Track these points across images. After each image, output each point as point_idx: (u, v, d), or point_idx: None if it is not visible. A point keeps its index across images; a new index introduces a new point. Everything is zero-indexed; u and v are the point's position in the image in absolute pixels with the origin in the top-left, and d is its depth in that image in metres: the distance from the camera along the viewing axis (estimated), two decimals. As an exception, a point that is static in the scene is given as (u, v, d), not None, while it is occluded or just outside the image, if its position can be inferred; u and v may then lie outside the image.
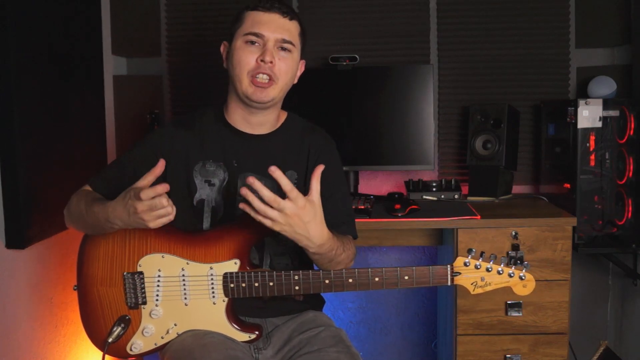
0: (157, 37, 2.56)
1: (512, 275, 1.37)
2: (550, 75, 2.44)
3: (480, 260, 1.37)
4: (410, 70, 2.31)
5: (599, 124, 2.06)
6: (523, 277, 1.38)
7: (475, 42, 2.45)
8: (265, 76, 1.41)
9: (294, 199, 1.23)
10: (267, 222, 1.25)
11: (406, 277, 1.37)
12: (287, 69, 1.44)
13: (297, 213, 1.24)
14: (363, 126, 2.34)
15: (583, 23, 2.42)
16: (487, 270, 1.37)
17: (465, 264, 1.37)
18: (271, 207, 1.23)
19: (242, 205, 1.26)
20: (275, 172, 1.23)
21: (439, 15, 2.46)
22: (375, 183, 2.55)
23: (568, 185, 2.13)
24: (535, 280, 1.94)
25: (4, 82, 1.68)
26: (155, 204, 1.23)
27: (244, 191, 1.23)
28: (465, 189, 2.33)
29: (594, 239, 2.10)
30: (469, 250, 1.38)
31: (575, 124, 2.06)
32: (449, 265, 1.37)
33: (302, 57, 1.53)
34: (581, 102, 2.05)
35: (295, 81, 1.53)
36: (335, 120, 2.34)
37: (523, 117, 2.42)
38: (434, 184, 2.33)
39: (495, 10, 2.43)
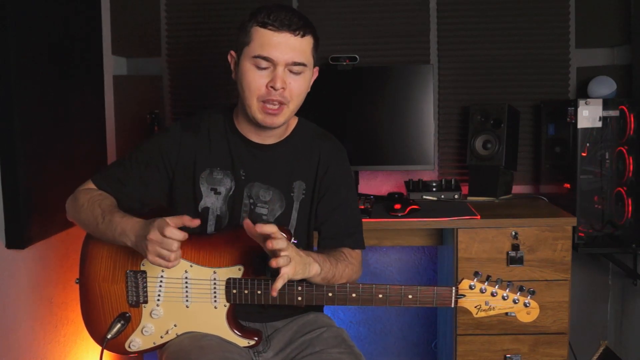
0: (157, 37, 2.56)
1: (516, 301, 1.37)
2: (550, 75, 2.44)
3: (485, 284, 1.36)
4: (410, 70, 2.31)
5: (599, 124, 2.06)
6: (528, 305, 1.37)
7: (475, 42, 2.45)
8: (275, 103, 1.35)
9: (286, 248, 1.23)
10: (288, 271, 1.24)
11: (410, 296, 1.36)
12: (299, 90, 1.38)
13: (293, 254, 1.25)
14: (363, 126, 2.34)
15: (583, 23, 2.42)
16: (492, 294, 1.36)
17: (470, 287, 1.36)
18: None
19: (274, 264, 1.23)
20: (250, 225, 1.25)
21: (439, 15, 2.46)
22: (375, 183, 2.55)
23: (568, 185, 2.13)
24: (535, 281, 1.96)
25: (4, 82, 1.68)
26: (164, 243, 1.22)
27: (271, 244, 1.22)
28: (465, 189, 2.33)
29: (594, 239, 2.10)
30: (476, 273, 1.37)
31: (575, 124, 2.06)
32: (453, 288, 1.36)
33: (316, 64, 1.45)
34: (581, 102, 2.05)
35: (308, 89, 1.45)
36: (335, 120, 2.33)
37: (523, 117, 2.42)
38: (434, 184, 2.33)
39: (495, 10, 2.43)
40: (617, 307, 2.45)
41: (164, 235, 1.22)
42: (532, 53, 2.43)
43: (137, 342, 1.43)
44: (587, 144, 2.07)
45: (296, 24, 1.33)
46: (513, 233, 1.95)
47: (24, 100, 1.74)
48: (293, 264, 1.24)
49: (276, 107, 1.36)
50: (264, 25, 1.32)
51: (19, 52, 1.71)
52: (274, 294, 1.24)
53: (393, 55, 2.47)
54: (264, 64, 1.33)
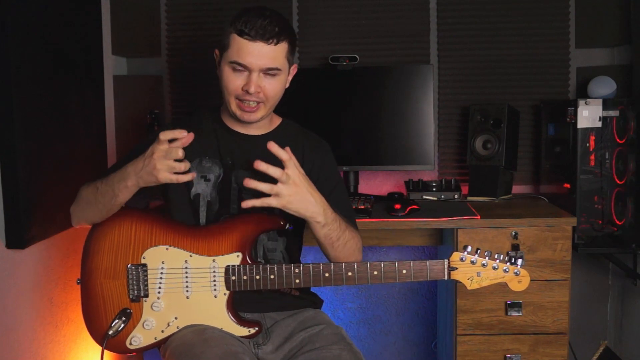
0: (157, 37, 2.56)
1: (507, 270, 1.41)
2: (550, 75, 2.44)
3: (476, 256, 1.41)
4: (410, 70, 2.31)
5: (599, 124, 2.06)
6: (518, 273, 1.42)
7: (475, 42, 2.45)
8: (252, 102, 1.46)
9: (292, 167, 1.32)
10: (274, 202, 1.31)
11: (404, 271, 1.40)
12: (274, 91, 1.48)
13: (299, 180, 1.33)
14: (363, 126, 2.34)
15: (583, 23, 2.42)
16: (483, 265, 1.41)
17: (461, 259, 1.41)
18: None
19: (247, 183, 1.31)
20: (261, 165, 1.31)
21: (439, 15, 2.46)
22: (375, 183, 2.55)
23: (568, 185, 2.13)
24: (535, 281, 1.96)
25: (4, 83, 1.68)
26: (171, 151, 1.30)
27: (248, 182, 1.30)
28: (465, 189, 2.33)
29: (594, 239, 2.10)
30: (465, 247, 1.42)
31: (575, 124, 2.06)
32: (445, 260, 1.41)
33: (294, 62, 1.54)
34: (581, 102, 2.05)
35: (287, 85, 1.55)
36: (335, 120, 2.34)
37: (523, 117, 2.42)
38: (434, 184, 2.33)
39: (495, 10, 2.43)
40: (617, 307, 2.46)
41: (164, 139, 1.30)
42: (532, 53, 2.43)
43: (139, 337, 1.44)
44: (587, 144, 2.07)
45: (270, 33, 1.41)
46: (513, 233, 1.95)
47: (24, 101, 1.74)
48: (288, 189, 1.33)
49: (253, 105, 1.47)
50: (240, 34, 1.41)
51: (19, 52, 1.71)
52: (244, 204, 1.31)
53: (393, 55, 2.47)
54: (240, 68, 1.43)
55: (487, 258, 1.41)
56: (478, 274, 1.41)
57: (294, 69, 1.56)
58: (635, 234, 2.08)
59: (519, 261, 1.42)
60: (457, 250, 1.42)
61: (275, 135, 1.58)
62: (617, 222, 2.09)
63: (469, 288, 1.42)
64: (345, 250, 1.46)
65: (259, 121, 1.52)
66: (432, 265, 1.41)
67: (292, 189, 1.32)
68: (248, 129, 1.57)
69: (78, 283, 1.48)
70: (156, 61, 2.57)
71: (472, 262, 1.41)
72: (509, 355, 1.99)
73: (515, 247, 1.95)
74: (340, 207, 1.53)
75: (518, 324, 1.98)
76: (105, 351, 1.44)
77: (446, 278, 1.41)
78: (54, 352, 2.00)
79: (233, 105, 1.47)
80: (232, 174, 1.53)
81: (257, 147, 1.55)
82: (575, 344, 2.30)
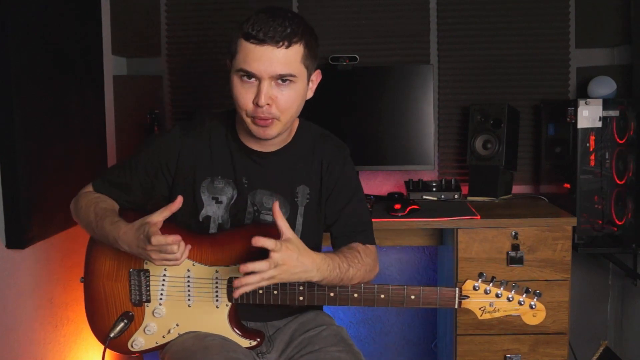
0: (157, 37, 2.56)
1: (522, 303, 1.35)
2: (550, 75, 2.44)
3: (490, 285, 1.35)
4: (410, 70, 2.31)
5: (599, 124, 2.06)
6: (533, 306, 1.35)
7: (475, 42, 2.45)
8: (265, 113, 1.30)
9: (278, 249, 1.19)
10: (265, 283, 1.22)
11: (412, 297, 1.35)
12: (288, 103, 1.31)
13: (287, 257, 1.20)
14: (363, 126, 2.34)
15: (583, 23, 2.42)
16: (497, 296, 1.35)
17: (474, 288, 1.35)
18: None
19: (237, 293, 1.22)
20: (246, 267, 1.19)
21: (439, 15, 2.46)
22: (375, 183, 2.55)
23: (568, 185, 2.13)
24: (535, 281, 1.96)
25: (4, 83, 1.68)
26: (165, 249, 1.22)
27: (237, 283, 1.20)
28: (465, 189, 2.33)
29: (594, 239, 2.10)
30: (480, 274, 1.35)
31: (575, 124, 2.06)
32: (457, 288, 1.35)
33: (316, 68, 1.39)
34: (581, 102, 2.05)
35: (311, 95, 1.41)
36: (335, 120, 2.33)
37: (523, 117, 2.42)
38: (434, 184, 2.33)
39: (495, 10, 2.43)
40: (617, 307, 2.45)
41: (156, 244, 1.21)
42: (532, 53, 2.43)
43: (140, 341, 1.43)
44: (587, 144, 2.07)
45: (280, 35, 1.25)
46: (513, 233, 1.95)
47: (24, 101, 1.74)
48: (277, 270, 1.20)
49: (268, 119, 1.31)
50: (247, 37, 1.26)
51: (19, 52, 1.71)
52: (236, 295, 1.21)
53: (393, 55, 2.47)
54: (248, 77, 1.28)
55: (502, 288, 1.35)
56: (491, 304, 1.34)
57: (317, 76, 1.40)
58: (635, 234, 2.08)
59: (536, 293, 1.35)
60: (469, 279, 1.35)
61: (291, 148, 1.47)
62: (617, 222, 2.09)
63: (480, 318, 1.36)
64: (352, 283, 1.37)
65: (275, 137, 1.38)
66: (443, 292, 1.35)
67: (280, 269, 1.20)
68: (265, 146, 1.43)
69: (81, 281, 1.47)
70: (156, 61, 2.57)
71: (486, 292, 1.34)
72: (509, 355, 1.99)
73: (515, 247, 1.95)
74: (355, 219, 1.48)
75: (518, 324, 1.98)
76: (108, 350, 1.44)
77: (456, 307, 1.35)
78: (54, 352, 1.99)
79: (247, 122, 1.33)
80: (248, 195, 1.44)
81: (275, 163, 1.45)
82: (575, 344, 2.30)
